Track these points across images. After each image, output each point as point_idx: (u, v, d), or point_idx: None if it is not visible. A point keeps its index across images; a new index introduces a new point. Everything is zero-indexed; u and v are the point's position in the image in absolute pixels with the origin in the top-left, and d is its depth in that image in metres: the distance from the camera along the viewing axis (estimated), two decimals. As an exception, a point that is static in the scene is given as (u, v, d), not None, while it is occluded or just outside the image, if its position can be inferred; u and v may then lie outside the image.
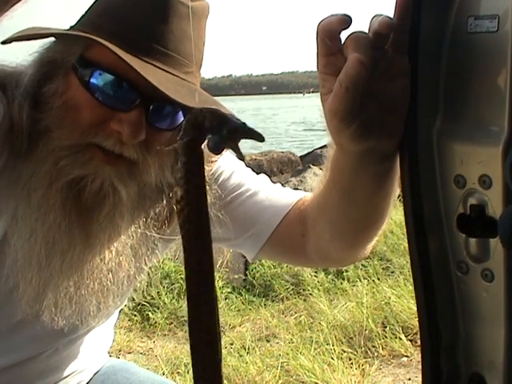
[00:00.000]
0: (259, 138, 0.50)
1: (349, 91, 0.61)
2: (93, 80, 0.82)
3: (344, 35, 0.63)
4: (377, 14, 0.62)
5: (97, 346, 1.15)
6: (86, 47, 0.83)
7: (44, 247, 0.84)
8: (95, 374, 1.19)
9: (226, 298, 3.79)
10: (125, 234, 0.91)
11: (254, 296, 3.91)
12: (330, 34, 0.62)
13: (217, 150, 0.49)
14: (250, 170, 1.09)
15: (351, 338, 3.09)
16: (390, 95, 0.63)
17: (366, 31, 0.62)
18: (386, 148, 0.68)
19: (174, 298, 3.81)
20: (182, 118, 0.87)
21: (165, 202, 0.94)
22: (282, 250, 1.05)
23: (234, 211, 1.00)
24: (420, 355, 0.66)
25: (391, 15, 0.61)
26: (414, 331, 3.03)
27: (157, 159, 0.88)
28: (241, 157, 0.51)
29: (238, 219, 1.00)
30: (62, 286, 0.88)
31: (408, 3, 0.60)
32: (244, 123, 0.49)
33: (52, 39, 0.88)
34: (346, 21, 0.61)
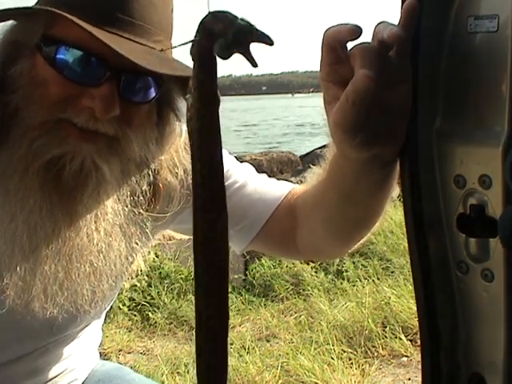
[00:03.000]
0: (268, 40, 0.47)
1: (355, 105, 0.60)
2: (58, 57, 0.79)
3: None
4: (382, 21, 0.61)
5: (87, 345, 1.14)
6: (49, 24, 0.80)
7: (26, 233, 0.81)
8: (88, 377, 1.17)
9: (225, 298, 3.79)
10: (112, 214, 0.88)
11: (254, 296, 3.91)
12: (337, 43, 0.61)
13: (224, 54, 0.46)
14: (233, 158, 1.07)
15: (351, 338, 3.09)
16: (394, 103, 0.62)
17: (370, 37, 0.61)
18: (389, 155, 0.68)
19: (173, 297, 3.81)
20: (156, 90, 0.85)
21: (152, 177, 0.92)
22: (271, 243, 1.04)
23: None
24: (420, 355, 0.66)
25: (391, 18, 0.61)
26: (414, 331, 3.03)
27: (139, 133, 0.85)
28: (254, 63, 0.48)
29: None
30: (50, 272, 0.84)
31: (415, 12, 0.59)
32: (251, 25, 0.46)
33: (12, 20, 0.85)
34: (355, 31, 0.60)
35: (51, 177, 0.81)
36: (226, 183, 1.04)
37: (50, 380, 1.05)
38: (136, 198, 0.91)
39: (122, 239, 0.90)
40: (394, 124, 0.64)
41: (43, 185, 0.80)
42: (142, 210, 0.92)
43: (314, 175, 0.90)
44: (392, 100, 0.62)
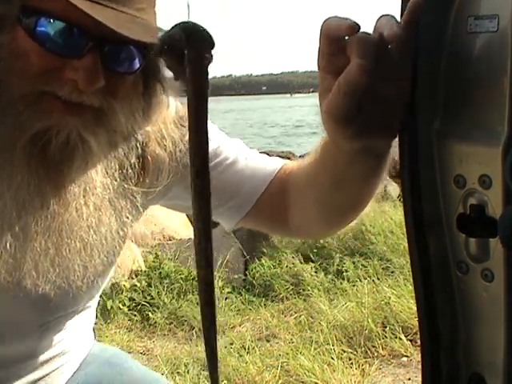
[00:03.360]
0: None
1: (347, 96, 0.60)
2: (39, 29, 0.76)
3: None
4: (384, 14, 0.61)
5: (81, 327, 1.13)
6: None
7: (15, 210, 0.80)
8: (86, 360, 1.17)
9: (225, 298, 3.79)
10: (101, 188, 0.86)
11: (254, 296, 3.91)
12: (335, 36, 0.61)
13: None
14: (223, 133, 1.05)
15: (351, 338, 3.09)
16: (389, 97, 0.62)
17: (371, 31, 0.61)
18: (381, 147, 0.69)
19: (173, 297, 3.82)
20: (141, 60, 0.83)
21: (140, 150, 0.90)
22: (262, 219, 1.04)
23: (213, 181, 0.99)
24: (420, 355, 0.66)
25: (393, 13, 0.61)
26: (414, 331, 3.03)
27: (125, 104, 0.83)
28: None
29: (217, 189, 0.99)
30: (41, 249, 0.83)
31: (419, 9, 0.59)
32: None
33: None
34: (354, 28, 0.60)
35: (37, 151, 0.79)
36: (216, 160, 1.02)
37: (46, 362, 1.05)
38: (125, 172, 0.89)
39: (112, 213, 0.89)
40: (388, 117, 0.64)
41: (30, 160, 0.79)
42: (131, 184, 0.91)
43: (308, 155, 0.90)
44: (387, 94, 0.62)
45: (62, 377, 1.10)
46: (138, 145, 0.89)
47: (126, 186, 0.90)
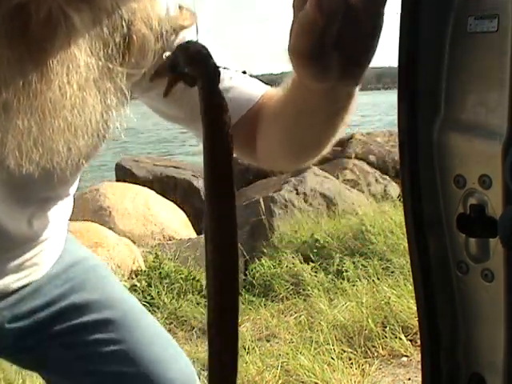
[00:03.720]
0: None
1: (306, 35, 0.61)
2: None
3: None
4: None
5: (62, 217, 1.17)
6: None
7: None
8: (60, 264, 1.20)
9: (225, 298, 3.79)
10: (84, 67, 0.83)
11: (254, 296, 3.91)
12: None
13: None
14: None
15: (351, 338, 3.09)
16: (351, 41, 0.63)
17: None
18: (347, 88, 0.71)
19: (173, 297, 3.82)
20: None
21: (125, 29, 0.87)
22: (235, 142, 1.04)
23: (195, 97, 0.97)
24: (420, 355, 0.66)
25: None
26: (414, 331, 3.03)
27: None
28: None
29: (197, 105, 0.99)
30: (23, 128, 0.81)
31: None
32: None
33: None
34: None
35: (17, 26, 0.76)
36: None
37: (33, 246, 1.09)
38: (110, 52, 0.86)
39: (96, 94, 0.86)
40: (350, 62, 0.65)
41: (9, 35, 0.76)
42: (116, 64, 0.88)
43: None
44: (349, 37, 0.62)
45: (46, 260, 1.15)
46: (123, 23, 0.87)
47: (110, 66, 0.87)
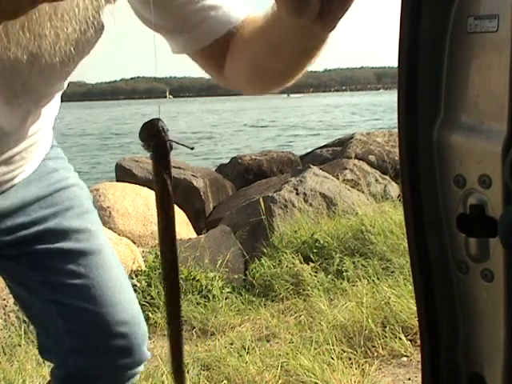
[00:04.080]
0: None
1: None
2: None
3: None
4: None
5: (51, 114, 1.19)
6: None
7: None
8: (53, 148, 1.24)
9: (225, 298, 3.79)
10: None
11: (254, 296, 3.91)
12: None
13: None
14: None
15: (351, 338, 3.09)
16: None
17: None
18: (319, 31, 0.74)
19: (173, 297, 3.81)
20: None
21: None
22: (206, 61, 1.04)
23: (176, 12, 0.96)
24: (420, 355, 0.66)
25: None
26: (414, 331, 3.03)
27: None
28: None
29: (178, 19, 0.97)
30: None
31: None
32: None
33: None
34: None
35: None
36: None
37: (24, 139, 1.11)
38: None
39: None
40: (332, 1, 0.68)
41: None
42: None
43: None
44: None
45: (33, 155, 1.17)
46: None
47: None
